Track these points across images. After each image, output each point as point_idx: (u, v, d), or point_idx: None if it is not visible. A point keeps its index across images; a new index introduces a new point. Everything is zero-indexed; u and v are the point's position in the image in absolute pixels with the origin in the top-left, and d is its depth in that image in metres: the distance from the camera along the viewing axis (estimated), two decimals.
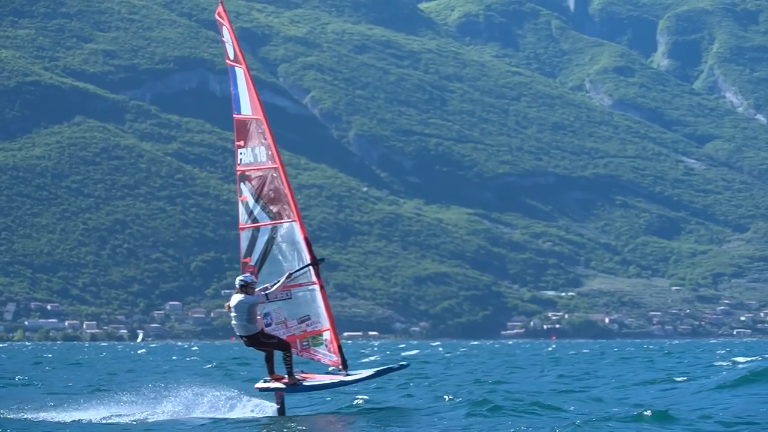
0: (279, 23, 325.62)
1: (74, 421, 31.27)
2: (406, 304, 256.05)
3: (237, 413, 31.14)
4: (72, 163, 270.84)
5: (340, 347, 30.23)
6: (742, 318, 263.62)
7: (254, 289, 29.05)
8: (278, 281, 29.66)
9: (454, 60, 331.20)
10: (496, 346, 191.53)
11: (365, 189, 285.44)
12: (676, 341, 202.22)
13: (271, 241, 30.17)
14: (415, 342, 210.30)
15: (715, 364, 59.71)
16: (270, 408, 30.54)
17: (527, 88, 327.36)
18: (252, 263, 29.95)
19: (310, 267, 30.11)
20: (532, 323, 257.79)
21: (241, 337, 29.41)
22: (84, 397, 37.00)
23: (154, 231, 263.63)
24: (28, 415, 32.60)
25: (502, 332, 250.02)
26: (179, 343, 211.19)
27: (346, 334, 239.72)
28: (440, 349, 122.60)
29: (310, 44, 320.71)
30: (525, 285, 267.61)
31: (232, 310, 28.73)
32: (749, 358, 63.73)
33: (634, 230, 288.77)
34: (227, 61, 30.86)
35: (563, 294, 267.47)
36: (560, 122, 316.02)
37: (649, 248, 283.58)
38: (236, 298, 28.81)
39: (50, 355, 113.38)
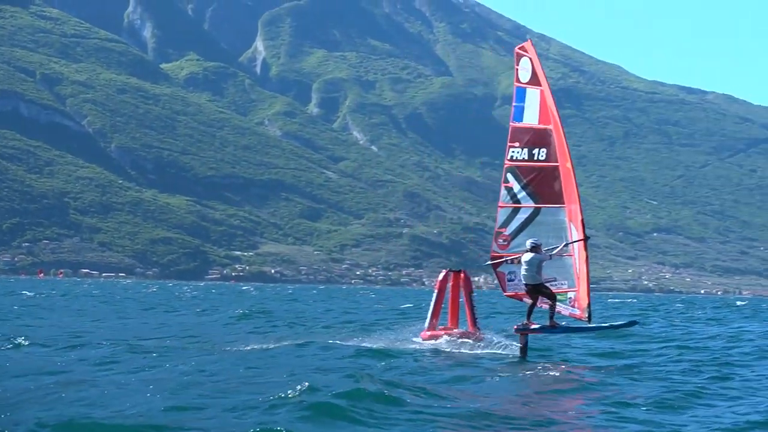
0: (68, 72, 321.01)
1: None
2: (145, 256, 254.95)
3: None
4: None
5: (589, 305, 26.63)
6: (358, 273, 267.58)
7: (541, 249, 26.12)
8: (557, 247, 26.47)
9: (182, 102, 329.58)
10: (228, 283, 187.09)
11: (121, 182, 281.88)
12: (322, 286, 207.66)
13: (530, 219, 27.17)
14: (152, 282, 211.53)
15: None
16: (515, 347, 26.80)
17: (228, 122, 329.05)
18: (507, 233, 27.27)
19: (577, 243, 26.61)
20: (225, 272, 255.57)
21: (527, 285, 26.21)
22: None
23: None
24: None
25: (206, 277, 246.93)
26: None
27: (104, 274, 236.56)
28: (187, 288, 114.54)
29: (88, 86, 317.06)
30: (221, 247, 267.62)
31: (524, 263, 26.11)
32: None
33: (293, 215, 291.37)
34: (517, 83, 27.65)
35: (246, 253, 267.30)
36: (249, 145, 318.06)
37: (302, 227, 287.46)
38: (528, 255, 26.01)
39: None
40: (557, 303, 26.74)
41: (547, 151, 27.20)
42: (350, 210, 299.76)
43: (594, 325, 27.81)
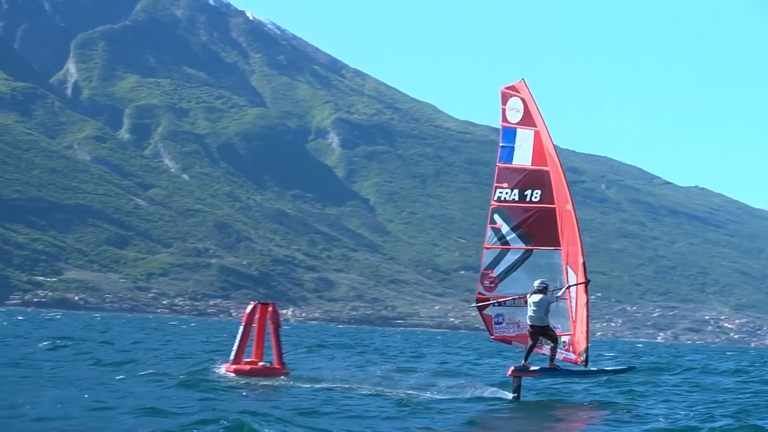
0: None
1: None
2: None
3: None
4: None
5: (586, 349, 26.17)
6: (164, 302, 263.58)
7: (548, 290, 25.98)
8: (560, 289, 26.22)
9: None
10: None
11: None
12: (129, 315, 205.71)
13: (521, 261, 26.75)
14: None
15: None
16: (507, 393, 26.60)
17: (36, 145, 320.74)
18: (493, 275, 26.94)
19: (577, 286, 26.35)
20: (26, 297, 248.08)
21: (533, 326, 25.87)
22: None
23: None
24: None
25: (6, 302, 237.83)
26: None
27: None
28: None
29: None
30: (24, 272, 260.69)
31: (531, 304, 25.79)
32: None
33: (99, 241, 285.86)
34: (504, 123, 27.10)
35: (49, 279, 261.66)
36: (56, 168, 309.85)
37: (108, 254, 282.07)
38: (537, 296, 25.78)
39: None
40: (547, 347, 26.60)
41: (542, 192, 26.94)
42: (158, 238, 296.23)
43: (595, 369, 27.88)
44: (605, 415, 24.28)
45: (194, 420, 17.39)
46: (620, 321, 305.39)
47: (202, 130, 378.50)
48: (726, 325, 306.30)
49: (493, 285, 27.25)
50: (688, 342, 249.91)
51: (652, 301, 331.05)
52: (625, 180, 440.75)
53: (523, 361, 26.55)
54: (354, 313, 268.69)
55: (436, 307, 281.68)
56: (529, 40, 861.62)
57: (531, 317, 26.12)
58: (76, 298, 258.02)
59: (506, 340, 27.28)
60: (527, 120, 27.20)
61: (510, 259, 27.16)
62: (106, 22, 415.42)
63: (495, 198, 27.35)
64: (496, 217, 27.33)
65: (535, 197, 26.96)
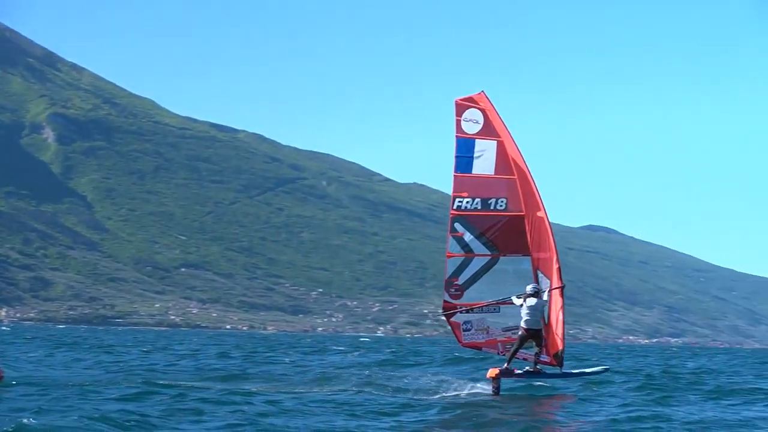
0: None
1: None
2: None
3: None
4: None
5: (562, 351, 26.88)
6: None
7: (541, 294, 26.54)
8: (545, 292, 26.86)
9: None
10: None
11: None
12: None
13: (486, 268, 27.15)
14: None
15: None
16: (487, 390, 26.98)
17: None
18: (459, 283, 27.24)
19: (553, 291, 26.89)
20: None
21: (528, 329, 26.37)
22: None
23: None
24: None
25: None
26: None
27: None
28: None
29: None
30: None
31: (527, 308, 26.27)
32: None
33: None
34: (459, 134, 27.32)
35: None
36: None
37: None
38: (532, 300, 26.22)
39: None
40: (523, 351, 27.02)
41: (508, 200, 27.40)
42: None
43: (576, 371, 28.70)
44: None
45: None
46: (341, 316, 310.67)
47: None
48: (444, 318, 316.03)
49: (459, 293, 27.71)
50: (408, 336, 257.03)
51: (372, 296, 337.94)
52: (346, 177, 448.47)
53: (506, 364, 26.99)
54: (72, 312, 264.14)
55: (157, 305, 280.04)
56: (246, 34, 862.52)
57: (527, 321, 26.59)
58: None
59: (476, 347, 28.05)
60: (488, 131, 27.62)
61: (475, 267, 27.59)
62: None
63: (454, 207, 27.64)
64: (457, 225, 27.57)
65: (500, 206, 27.54)
